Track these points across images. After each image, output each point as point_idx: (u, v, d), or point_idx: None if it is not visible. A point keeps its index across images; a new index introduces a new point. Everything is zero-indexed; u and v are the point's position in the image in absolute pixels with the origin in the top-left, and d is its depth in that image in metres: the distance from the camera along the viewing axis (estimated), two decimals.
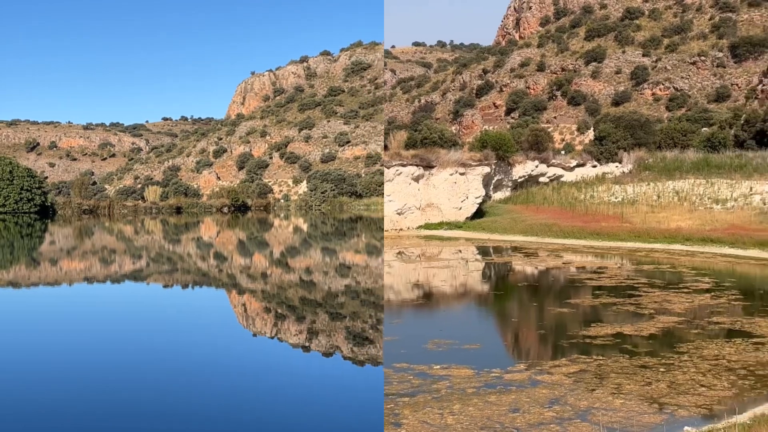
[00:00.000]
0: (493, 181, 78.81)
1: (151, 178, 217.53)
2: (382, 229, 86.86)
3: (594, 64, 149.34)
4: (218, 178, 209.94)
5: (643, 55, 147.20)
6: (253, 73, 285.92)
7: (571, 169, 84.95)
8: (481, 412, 16.19)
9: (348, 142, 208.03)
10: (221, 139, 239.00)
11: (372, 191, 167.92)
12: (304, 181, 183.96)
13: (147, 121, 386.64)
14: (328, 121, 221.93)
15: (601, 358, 20.92)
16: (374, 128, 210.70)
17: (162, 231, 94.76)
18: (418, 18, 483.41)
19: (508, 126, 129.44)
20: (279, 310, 29.66)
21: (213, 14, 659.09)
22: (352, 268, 46.76)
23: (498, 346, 24.51)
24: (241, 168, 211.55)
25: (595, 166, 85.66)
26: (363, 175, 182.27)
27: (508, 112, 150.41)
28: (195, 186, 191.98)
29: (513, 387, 18.14)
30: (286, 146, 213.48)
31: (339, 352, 21.53)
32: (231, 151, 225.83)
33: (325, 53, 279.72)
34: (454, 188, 70.76)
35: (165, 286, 37.80)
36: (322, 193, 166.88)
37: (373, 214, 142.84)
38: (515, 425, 15.43)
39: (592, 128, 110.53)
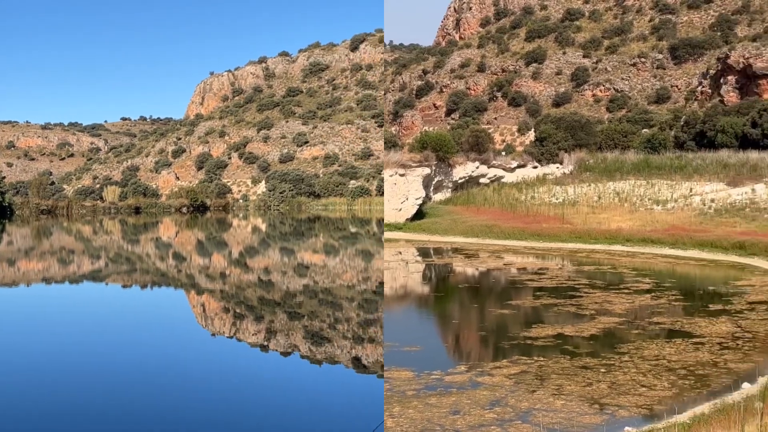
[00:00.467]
0: (434, 183, 77.17)
1: (110, 178, 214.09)
2: (342, 229, 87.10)
3: (534, 65, 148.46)
4: (177, 178, 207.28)
5: (584, 57, 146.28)
6: (211, 74, 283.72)
7: (512, 170, 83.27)
8: (421, 414, 16.04)
9: (306, 142, 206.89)
10: (180, 139, 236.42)
11: (330, 191, 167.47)
12: (263, 181, 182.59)
13: (106, 121, 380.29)
14: (287, 122, 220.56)
15: (542, 359, 20.76)
16: (332, 129, 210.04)
17: (121, 231, 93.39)
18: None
19: (448, 127, 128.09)
20: (238, 310, 29.44)
21: (171, 14, 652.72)
22: (310, 268, 46.47)
23: (438, 347, 24.34)
24: (200, 168, 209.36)
25: (535, 167, 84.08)
26: (321, 175, 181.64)
27: (448, 113, 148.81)
28: (154, 186, 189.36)
29: (453, 389, 17.92)
30: (245, 146, 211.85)
31: (297, 351, 21.33)
32: (190, 151, 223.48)
33: (284, 54, 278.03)
34: (393, 189, 69.51)
35: (124, 287, 37.29)
36: (280, 193, 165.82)
37: (331, 214, 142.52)
38: (455, 427, 15.27)
39: (532, 129, 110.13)
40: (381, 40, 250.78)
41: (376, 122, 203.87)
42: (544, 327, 25.07)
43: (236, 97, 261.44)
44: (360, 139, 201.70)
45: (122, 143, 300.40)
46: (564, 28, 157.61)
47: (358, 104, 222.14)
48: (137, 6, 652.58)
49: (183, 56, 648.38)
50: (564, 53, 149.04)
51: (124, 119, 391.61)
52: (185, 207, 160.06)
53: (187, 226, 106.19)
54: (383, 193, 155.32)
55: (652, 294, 32.15)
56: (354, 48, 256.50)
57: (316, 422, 15.08)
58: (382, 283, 37.24)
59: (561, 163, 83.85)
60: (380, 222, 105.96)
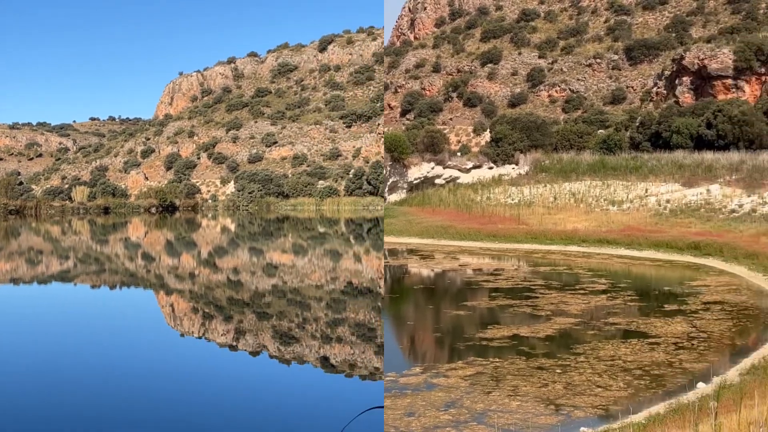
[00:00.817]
0: (389, 183, 76.37)
1: (79, 179, 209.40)
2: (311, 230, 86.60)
3: (490, 65, 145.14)
4: (146, 178, 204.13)
5: (539, 57, 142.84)
6: (180, 74, 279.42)
7: (468, 170, 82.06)
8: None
9: (275, 142, 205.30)
10: (149, 139, 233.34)
11: (298, 192, 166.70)
12: (232, 182, 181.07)
13: (74, 121, 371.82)
14: (256, 122, 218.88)
15: (497, 360, 20.58)
16: (300, 129, 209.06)
17: (90, 231, 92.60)
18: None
19: (403, 127, 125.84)
20: (207, 310, 29.36)
21: (140, 14, 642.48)
22: (279, 268, 46.40)
23: (394, 349, 24.03)
24: (169, 168, 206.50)
25: (491, 168, 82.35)
26: (290, 175, 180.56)
27: (403, 114, 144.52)
28: (123, 186, 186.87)
29: (408, 390, 17.78)
30: (214, 146, 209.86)
31: (266, 351, 21.27)
32: (159, 152, 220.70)
33: (252, 54, 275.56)
34: None
35: (93, 287, 37.07)
36: (249, 193, 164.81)
37: (300, 214, 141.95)
38: (410, 429, 15.23)
39: (488, 130, 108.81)
40: (349, 41, 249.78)
41: (344, 123, 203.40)
42: (500, 328, 24.89)
43: (205, 98, 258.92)
44: (328, 139, 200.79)
45: (91, 143, 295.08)
46: (519, 29, 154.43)
47: (326, 105, 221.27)
48: (105, 5, 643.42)
49: (152, 56, 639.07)
50: (519, 54, 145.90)
51: (92, 119, 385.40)
52: (154, 207, 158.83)
53: (156, 226, 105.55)
54: (351, 193, 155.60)
55: (608, 294, 31.98)
56: (322, 49, 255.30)
57: (283, 420, 15.05)
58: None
59: (516, 164, 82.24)
60: (349, 222, 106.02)
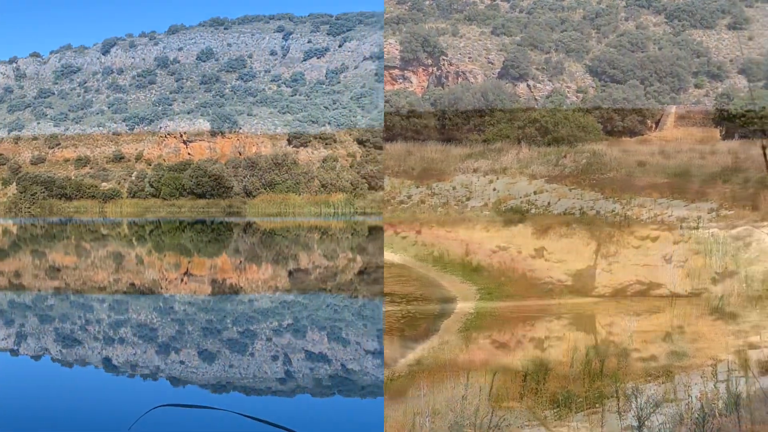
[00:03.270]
0: None
1: None
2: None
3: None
4: None
5: None
6: None
7: None
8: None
9: (58, 144, 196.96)
10: None
11: (82, 193, 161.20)
12: (14, 183, 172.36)
13: None
14: (38, 123, 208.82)
15: None
16: (84, 131, 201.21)
17: None
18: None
19: None
20: None
21: None
22: (61, 271, 44.82)
23: None
24: None
25: None
26: (73, 177, 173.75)
27: None
28: None
29: None
30: None
31: (48, 354, 20.79)
32: None
33: (35, 55, 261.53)
34: None
35: None
36: (32, 195, 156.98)
37: (83, 216, 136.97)
38: None
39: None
40: (132, 45, 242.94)
41: (127, 126, 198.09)
42: None
43: None
44: (111, 141, 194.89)
45: None
46: None
47: (109, 107, 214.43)
48: None
49: None
50: None
51: None
52: None
53: None
54: (134, 195, 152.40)
55: None
56: (105, 52, 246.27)
57: (69, 422, 14.77)
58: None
59: None
60: (132, 224, 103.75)
